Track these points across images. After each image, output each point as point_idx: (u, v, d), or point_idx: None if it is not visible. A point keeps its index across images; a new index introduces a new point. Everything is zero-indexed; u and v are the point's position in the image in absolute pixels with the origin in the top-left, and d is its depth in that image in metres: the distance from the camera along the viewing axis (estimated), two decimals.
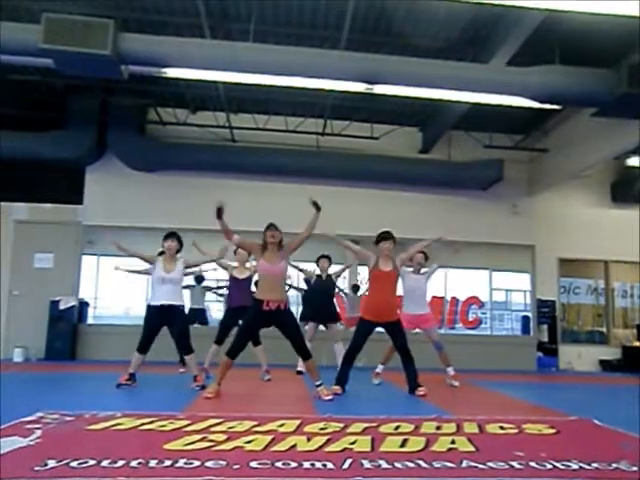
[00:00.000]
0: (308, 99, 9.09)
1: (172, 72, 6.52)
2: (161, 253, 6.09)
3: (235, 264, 6.67)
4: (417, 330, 6.53)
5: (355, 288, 9.46)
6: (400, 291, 6.35)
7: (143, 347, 5.55)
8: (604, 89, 6.22)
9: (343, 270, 7.82)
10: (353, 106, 9.41)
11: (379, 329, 5.63)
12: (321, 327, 7.49)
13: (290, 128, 9.88)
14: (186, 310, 6.87)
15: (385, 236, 5.62)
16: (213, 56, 6.25)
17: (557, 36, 6.68)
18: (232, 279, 6.65)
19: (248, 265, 6.62)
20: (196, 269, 7.00)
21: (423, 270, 6.58)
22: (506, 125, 10.07)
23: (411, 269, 6.50)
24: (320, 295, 7.41)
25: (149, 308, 5.68)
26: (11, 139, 8.93)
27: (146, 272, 6.18)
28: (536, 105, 6.72)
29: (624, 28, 5.95)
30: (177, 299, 5.66)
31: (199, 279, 8.70)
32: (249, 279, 6.62)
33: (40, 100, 9.37)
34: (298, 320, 6.14)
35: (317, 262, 7.48)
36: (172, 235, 5.75)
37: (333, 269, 7.61)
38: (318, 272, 7.51)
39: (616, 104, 6.28)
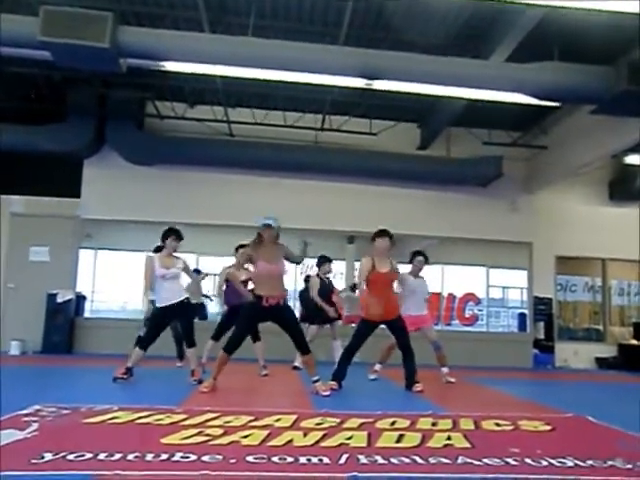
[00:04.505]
0: (307, 94, 9.07)
1: (171, 66, 6.49)
2: (157, 249, 6.08)
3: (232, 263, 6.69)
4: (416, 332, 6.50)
5: (353, 287, 9.47)
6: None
7: (146, 345, 5.55)
8: (603, 86, 6.21)
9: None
10: (352, 102, 9.38)
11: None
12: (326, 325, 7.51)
13: (288, 123, 9.86)
14: None
15: (380, 234, 5.59)
16: (212, 50, 6.22)
17: (556, 33, 6.66)
18: (228, 281, 6.65)
19: (246, 266, 6.59)
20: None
21: (421, 274, 6.58)
22: (505, 122, 10.06)
23: (409, 271, 6.52)
24: (321, 296, 7.39)
25: (156, 309, 5.68)
26: (9, 132, 8.89)
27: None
28: (535, 102, 6.72)
29: (623, 25, 5.93)
30: (181, 294, 5.67)
31: (196, 271, 8.68)
32: (245, 283, 6.56)
33: (38, 93, 9.33)
34: (302, 322, 6.16)
35: (319, 266, 7.48)
36: (171, 234, 5.66)
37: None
38: (317, 272, 7.53)
39: (615, 101, 6.27)
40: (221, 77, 7.86)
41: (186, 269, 5.75)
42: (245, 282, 6.43)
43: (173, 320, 5.89)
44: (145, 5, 7.09)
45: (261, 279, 5.14)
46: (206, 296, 9.05)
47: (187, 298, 5.78)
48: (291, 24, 7.33)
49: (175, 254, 5.70)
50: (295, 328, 5.16)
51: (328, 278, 7.58)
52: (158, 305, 5.64)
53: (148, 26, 6.72)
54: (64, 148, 9.20)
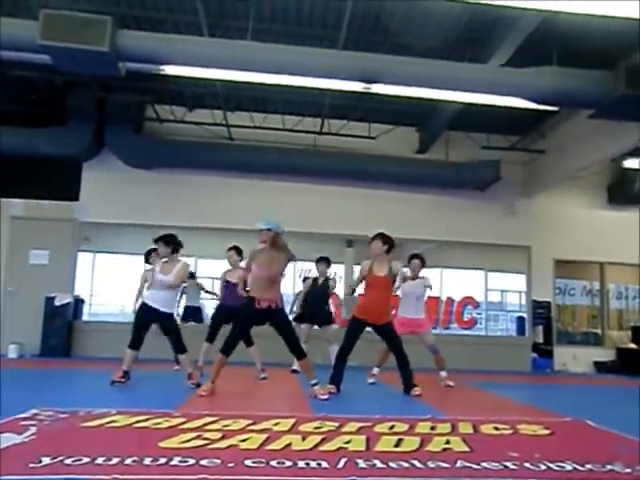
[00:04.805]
0: (305, 98, 9.08)
1: (170, 69, 6.51)
2: (149, 251, 6.09)
3: (228, 267, 6.70)
4: (411, 335, 6.46)
5: (352, 289, 9.46)
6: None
7: (136, 343, 5.54)
8: (601, 90, 6.23)
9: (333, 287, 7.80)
10: (350, 105, 9.40)
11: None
12: (316, 326, 7.52)
13: (287, 127, 9.87)
14: (181, 308, 6.87)
15: (373, 237, 5.64)
16: (211, 54, 6.24)
17: (555, 37, 6.68)
18: (225, 281, 6.67)
19: (242, 264, 6.61)
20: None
21: (420, 275, 6.57)
22: (503, 126, 10.08)
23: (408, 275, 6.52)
24: (315, 297, 7.41)
25: (143, 306, 5.69)
26: (8, 135, 8.89)
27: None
28: (533, 106, 6.73)
29: (622, 29, 5.95)
30: (168, 305, 5.65)
31: (191, 275, 8.67)
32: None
33: (38, 96, 9.34)
34: (293, 321, 6.16)
35: (316, 264, 7.49)
36: (158, 241, 5.66)
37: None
38: (316, 275, 7.53)
39: (613, 106, 6.29)
40: (220, 81, 7.87)
41: (176, 273, 5.60)
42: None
43: (156, 323, 5.90)
44: (144, 9, 7.10)
45: (254, 282, 5.18)
46: (209, 292, 9.03)
47: (172, 313, 5.79)
48: (290, 27, 7.35)
49: (178, 260, 5.69)
50: (288, 331, 5.16)
51: (327, 279, 7.56)
52: (146, 302, 5.65)
53: (147, 30, 6.71)
54: (64, 151, 9.21)
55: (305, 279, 7.92)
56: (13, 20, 5.94)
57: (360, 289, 5.97)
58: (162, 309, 5.55)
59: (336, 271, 7.97)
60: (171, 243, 5.63)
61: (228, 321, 6.27)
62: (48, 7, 5.82)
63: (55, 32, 5.57)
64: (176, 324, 5.92)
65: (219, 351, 5.07)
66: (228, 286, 6.60)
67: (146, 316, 5.61)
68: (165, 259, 5.64)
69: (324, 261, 7.50)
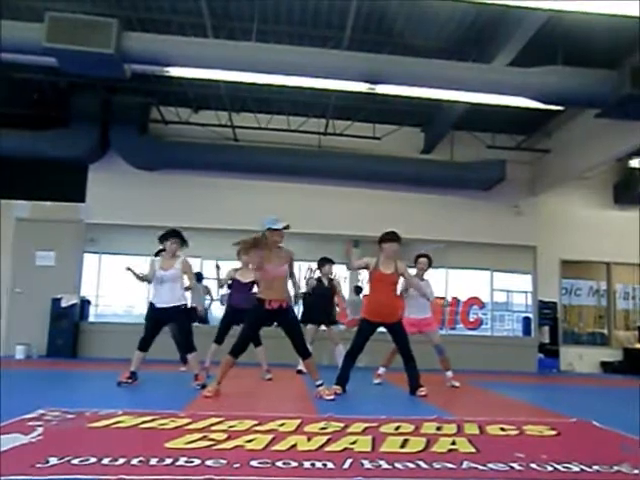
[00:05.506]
0: (310, 99, 9.09)
1: (175, 71, 6.52)
2: (158, 252, 6.11)
3: (239, 265, 6.67)
4: (419, 334, 6.46)
5: (357, 290, 9.47)
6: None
7: (145, 345, 5.56)
8: (607, 90, 6.21)
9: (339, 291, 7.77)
10: (355, 106, 9.40)
11: (381, 329, 5.63)
12: (322, 327, 7.51)
13: (292, 128, 9.88)
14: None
15: (390, 237, 5.56)
16: (216, 55, 6.26)
17: (560, 37, 6.66)
18: (235, 281, 6.64)
19: (251, 267, 6.60)
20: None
21: (426, 276, 6.57)
22: (509, 126, 10.06)
23: (414, 274, 6.51)
24: (319, 298, 7.41)
25: (152, 306, 5.70)
26: (14, 137, 8.95)
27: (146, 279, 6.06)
28: (539, 106, 6.71)
29: (627, 29, 5.93)
30: (177, 299, 5.63)
31: (198, 277, 8.66)
32: (252, 284, 6.51)
33: (43, 98, 9.39)
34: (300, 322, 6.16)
35: (319, 265, 7.49)
36: (174, 236, 5.67)
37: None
38: (319, 275, 7.53)
39: (619, 105, 6.26)
40: (225, 82, 7.89)
41: (185, 269, 5.68)
42: (251, 284, 6.43)
43: (168, 323, 5.90)
44: (149, 11, 7.12)
45: (266, 282, 5.14)
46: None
47: (184, 304, 5.77)
48: (294, 28, 7.35)
49: (178, 255, 5.71)
50: (296, 331, 5.17)
51: (331, 280, 7.56)
52: (153, 303, 5.66)
53: (152, 32, 6.74)
54: (69, 153, 9.25)
55: (309, 280, 7.91)
56: (18, 23, 5.99)
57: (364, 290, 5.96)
58: (170, 304, 5.56)
59: (337, 272, 7.91)
60: (180, 239, 5.68)
61: (237, 322, 6.27)
62: (53, 10, 5.85)
63: (61, 35, 5.60)
64: (189, 320, 5.90)
65: (228, 353, 5.07)
66: (237, 287, 6.57)
67: (154, 317, 5.63)
68: (171, 255, 5.66)
69: (327, 262, 7.50)
